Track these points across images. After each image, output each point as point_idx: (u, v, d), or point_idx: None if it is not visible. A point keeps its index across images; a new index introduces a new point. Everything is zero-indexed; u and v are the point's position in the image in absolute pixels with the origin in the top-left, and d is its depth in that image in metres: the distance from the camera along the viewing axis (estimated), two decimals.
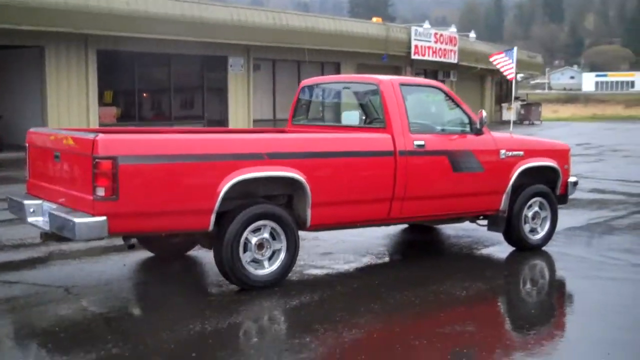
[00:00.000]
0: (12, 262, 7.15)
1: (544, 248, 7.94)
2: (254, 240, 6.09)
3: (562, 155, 8.23)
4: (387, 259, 7.73)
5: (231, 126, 23.42)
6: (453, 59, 31.66)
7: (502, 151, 7.59)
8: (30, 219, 6.23)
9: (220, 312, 5.56)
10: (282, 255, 6.24)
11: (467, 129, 7.42)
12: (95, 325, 5.28)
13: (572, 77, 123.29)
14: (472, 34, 37.77)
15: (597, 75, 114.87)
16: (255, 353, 4.80)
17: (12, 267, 6.95)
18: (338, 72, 27.78)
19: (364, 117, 7.52)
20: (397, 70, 31.03)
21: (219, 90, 24.17)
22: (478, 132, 7.43)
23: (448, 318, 5.58)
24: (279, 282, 6.19)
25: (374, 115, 7.31)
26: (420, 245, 8.43)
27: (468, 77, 37.55)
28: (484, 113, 7.44)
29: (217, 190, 5.83)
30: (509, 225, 7.71)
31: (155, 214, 5.68)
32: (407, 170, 6.85)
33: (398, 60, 29.91)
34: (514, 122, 39.17)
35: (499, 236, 8.03)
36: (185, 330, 5.10)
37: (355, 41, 26.47)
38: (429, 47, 29.63)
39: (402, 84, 7.11)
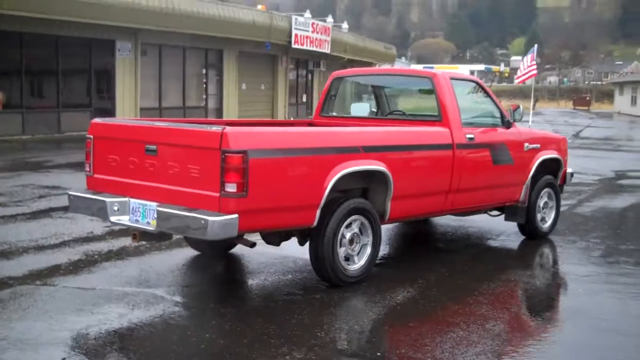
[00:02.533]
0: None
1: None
2: (347, 235, 6.08)
3: (563, 146, 8.77)
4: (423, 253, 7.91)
5: (118, 115, 22.47)
6: (326, 49, 32.16)
7: (526, 144, 7.99)
8: (113, 218, 5.83)
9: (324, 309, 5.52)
10: (369, 250, 6.25)
11: (499, 121, 7.74)
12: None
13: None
14: (345, 25, 38.48)
15: (424, 68, 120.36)
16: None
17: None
18: (221, 59, 27.44)
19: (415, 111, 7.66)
20: (274, 59, 31.10)
21: (106, 76, 23.12)
22: (508, 126, 7.78)
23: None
24: (365, 277, 6.21)
25: (427, 109, 7.46)
26: (428, 238, 8.66)
27: (335, 68, 38.26)
28: (520, 107, 7.80)
29: (324, 185, 5.76)
30: (528, 216, 8.14)
31: (275, 210, 5.52)
32: (461, 163, 7.06)
33: (276, 49, 29.97)
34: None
35: (501, 226, 8.45)
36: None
37: (240, 28, 26.22)
38: (307, 37, 29.94)
39: (452, 78, 7.31)
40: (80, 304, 5.41)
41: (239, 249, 7.10)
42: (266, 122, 7.38)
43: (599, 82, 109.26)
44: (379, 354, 4.65)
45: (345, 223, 6.03)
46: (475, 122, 7.43)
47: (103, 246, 7.33)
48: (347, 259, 6.10)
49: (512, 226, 8.56)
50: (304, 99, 35.31)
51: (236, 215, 5.19)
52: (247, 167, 5.21)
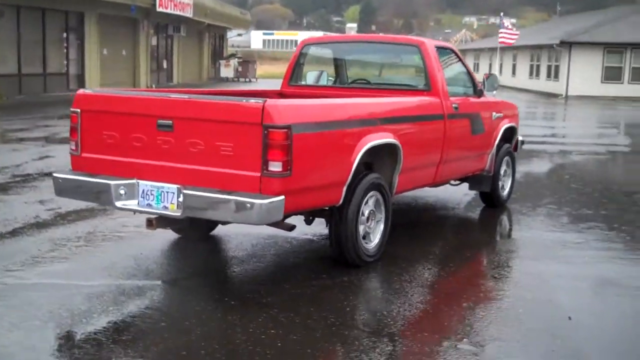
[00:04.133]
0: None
1: None
2: (366, 212, 5.75)
3: (516, 115, 8.83)
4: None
5: None
6: (189, 13, 31.03)
7: (494, 113, 7.96)
8: (119, 203, 5.15)
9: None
10: (381, 227, 5.96)
11: (472, 90, 7.62)
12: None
13: (239, 35, 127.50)
14: None
15: (264, 34, 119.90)
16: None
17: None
18: (82, 22, 25.75)
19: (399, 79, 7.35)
20: (135, 24, 29.62)
21: None
22: (480, 94, 7.69)
23: None
24: (379, 256, 5.92)
25: (414, 77, 7.19)
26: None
27: (194, 33, 37.14)
28: (495, 75, 7.72)
29: (352, 160, 5.40)
30: (493, 184, 8.13)
31: (311, 189, 5.09)
32: (450, 134, 6.90)
33: (138, 13, 28.53)
34: (232, 79, 39.92)
35: (458, 195, 8.43)
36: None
37: None
38: (170, 0, 28.68)
39: (436, 46, 7.09)
40: (61, 302, 4.74)
41: (220, 230, 6.58)
42: (244, 93, 6.84)
43: None
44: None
45: (365, 200, 5.69)
46: (455, 92, 7.26)
47: (67, 232, 6.54)
48: (364, 237, 5.77)
49: (463, 195, 8.61)
50: (165, 66, 33.98)
51: (283, 197, 4.73)
52: (292, 144, 4.74)
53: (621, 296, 5.29)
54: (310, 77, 7.65)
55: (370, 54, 7.78)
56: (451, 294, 5.21)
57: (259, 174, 4.73)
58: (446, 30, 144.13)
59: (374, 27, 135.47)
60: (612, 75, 35.16)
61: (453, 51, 7.55)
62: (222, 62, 41.17)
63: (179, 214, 4.94)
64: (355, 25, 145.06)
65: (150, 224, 5.22)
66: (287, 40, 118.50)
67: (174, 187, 4.99)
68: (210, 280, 5.40)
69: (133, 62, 29.93)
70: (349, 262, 5.64)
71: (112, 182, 5.13)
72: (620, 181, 10.78)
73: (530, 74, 41.27)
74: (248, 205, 4.63)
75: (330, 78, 7.80)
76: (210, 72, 41.54)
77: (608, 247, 6.69)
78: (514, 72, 45.58)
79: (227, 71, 40.28)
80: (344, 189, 5.42)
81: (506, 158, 8.35)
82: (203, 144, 4.92)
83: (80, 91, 5.49)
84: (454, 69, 7.44)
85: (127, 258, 5.79)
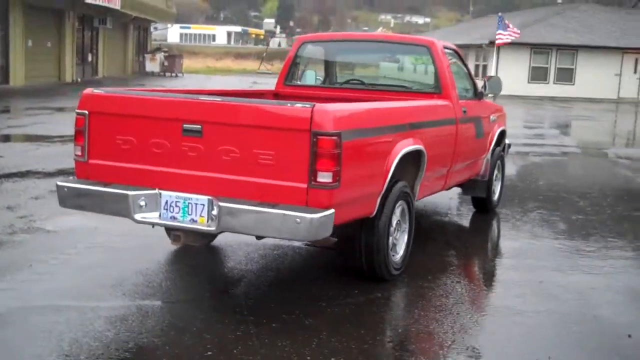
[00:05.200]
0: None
1: None
2: (394, 223, 5.39)
3: (504, 117, 8.65)
4: None
5: None
6: (117, 4, 29.89)
7: (492, 116, 7.74)
8: (139, 216, 4.63)
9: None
10: (405, 238, 5.63)
11: (472, 93, 7.37)
12: None
13: (155, 29, 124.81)
14: None
15: (181, 28, 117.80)
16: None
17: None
18: (6, 11, 24.40)
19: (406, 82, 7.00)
20: (60, 15, 28.36)
21: None
22: (480, 97, 7.45)
23: None
24: (404, 268, 5.57)
25: (423, 79, 6.87)
26: None
27: (120, 25, 35.92)
28: (497, 77, 7.48)
29: (387, 168, 5.04)
30: (488, 189, 7.91)
31: (353, 201, 4.70)
32: (460, 138, 6.63)
33: (63, 3, 27.29)
34: (158, 74, 38.84)
35: (444, 200, 8.21)
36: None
37: None
38: None
39: (444, 46, 6.79)
40: (83, 328, 4.21)
41: (219, 239, 6.11)
42: (227, 92, 6.36)
43: None
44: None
45: (394, 210, 5.33)
46: (461, 95, 6.99)
47: (54, 243, 5.96)
48: (391, 249, 5.41)
49: (449, 199, 8.43)
50: (90, 59, 32.69)
51: (333, 211, 4.31)
52: (341, 152, 4.34)
53: None
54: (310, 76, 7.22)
55: (375, 53, 7.41)
56: (493, 312, 4.89)
57: (305, 185, 4.32)
58: (364, 28, 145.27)
59: (292, 23, 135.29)
60: (538, 75, 35.90)
61: (456, 52, 7.26)
62: (148, 56, 39.95)
63: (213, 228, 4.46)
64: (272, 20, 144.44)
65: (176, 239, 4.73)
66: (204, 35, 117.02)
67: (204, 198, 4.51)
68: (235, 299, 4.93)
69: (58, 54, 28.61)
70: (378, 275, 5.28)
71: (130, 193, 4.60)
72: (590, 183, 10.77)
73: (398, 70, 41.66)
74: (297, 220, 4.20)
75: (318, 78, 7.40)
76: (135, 66, 40.27)
77: (622, 255, 6.53)
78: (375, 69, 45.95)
79: (152, 65, 39.10)
80: (379, 199, 5.05)
81: (498, 162, 8.14)
82: (238, 151, 4.46)
83: (88, 91, 4.92)
84: (458, 70, 7.15)
85: (135, 274, 5.25)
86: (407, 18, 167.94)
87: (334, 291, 5.10)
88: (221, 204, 4.37)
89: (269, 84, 34.46)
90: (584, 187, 10.30)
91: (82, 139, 4.88)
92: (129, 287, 4.96)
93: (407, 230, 5.61)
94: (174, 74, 39.23)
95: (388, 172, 5.01)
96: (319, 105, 4.31)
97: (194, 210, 4.54)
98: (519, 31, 24.28)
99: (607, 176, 11.87)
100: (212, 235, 4.99)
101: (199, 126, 4.53)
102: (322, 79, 7.23)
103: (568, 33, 36.14)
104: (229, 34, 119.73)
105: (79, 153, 4.91)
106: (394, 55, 7.28)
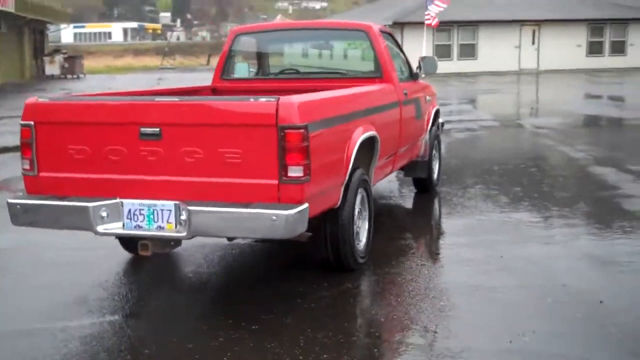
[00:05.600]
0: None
1: None
2: (356, 211, 5.35)
3: (435, 96, 8.71)
4: None
5: None
6: (11, 7, 28.69)
7: (427, 97, 7.79)
8: (101, 228, 4.42)
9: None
10: (366, 225, 5.59)
11: (408, 74, 7.38)
12: None
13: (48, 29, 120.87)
14: None
15: (75, 27, 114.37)
16: None
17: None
18: None
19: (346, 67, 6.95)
20: None
21: None
22: (416, 78, 7.47)
23: None
24: (367, 256, 5.54)
25: (362, 64, 6.83)
26: None
27: (14, 29, 34.49)
28: (432, 57, 7.51)
29: (349, 157, 4.99)
30: (429, 169, 7.96)
31: (321, 193, 4.62)
32: (403, 121, 6.65)
33: None
34: (59, 76, 37.58)
35: (382, 183, 8.25)
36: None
37: None
38: None
39: (380, 30, 6.77)
40: (62, 351, 3.99)
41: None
42: (161, 92, 6.20)
43: None
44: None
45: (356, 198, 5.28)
46: (399, 77, 6.99)
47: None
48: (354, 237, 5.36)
49: (388, 182, 8.47)
50: None
51: (307, 205, 4.23)
52: (309, 144, 4.25)
53: (625, 273, 5.26)
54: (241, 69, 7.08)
55: (311, 41, 7.32)
56: (466, 292, 4.91)
57: (276, 182, 4.22)
58: (262, 16, 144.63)
59: (189, 16, 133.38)
60: (442, 52, 36.55)
61: (390, 34, 7.26)
62: (47, 58, 38.52)
63: (183, 233, 4.31)
64: (168, 14, 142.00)
65: (144, 248, 4.52)
66: (100, 33, 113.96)
67: (170, 203, 4.35)
68: (207, 304, 4.79)
69: None
70: (345, 266, 5.23)
71: (91, 204, 4.39)
72: (517, 154, 11.04)
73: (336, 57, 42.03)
74: (274, 218, 4.10)
75: (251, 70, 7.28)
76: (33, 70, 38.81)
77: (568, 223, 6.70)
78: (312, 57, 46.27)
79: (52, 68, 37.76)
80: (342, 189, 4.99)
81: (435, 142, 8.20)
82: (202, 151, 4.32)
83: (32, 100, 4.65)
84: (393, 52, 7.15)
85: (96, 288, 5.04)
86: (304, 4, 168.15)
87: (304, 286, 5.01)
88: (190, 207, 4.22)
89: (175, 79, 33.94)
90: (513, 159, 10.53)
91: (30, 152, 4.62)
92: (93, 303, 4.74)
93: (367, 217, 5.57)
94: (75, 76, 38.08)
95: (349, 160, 4.97)
96: (284, 98, 4.21)
97: (160, 217, 4.38)
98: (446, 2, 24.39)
99: (530, 146, 12.20)
100: (180, 241, 4.82)
101: (157, 129, 4.35)
102: (258, 70, 7.10)
103: (468, 8, 36.88)
104: (125, 30, 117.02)
105: (27, 167, 4.66)
106: (330, 42, 7.21)
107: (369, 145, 5.53)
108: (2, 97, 25.22)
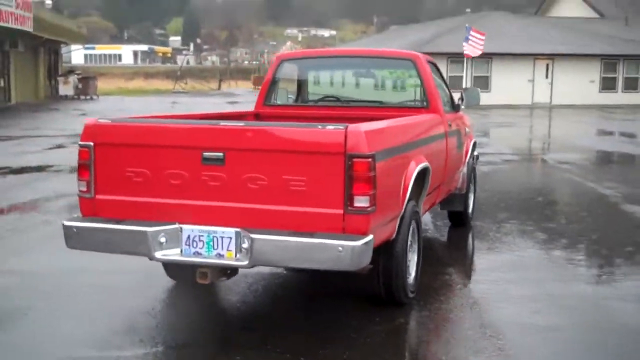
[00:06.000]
0: None
1: None
2: (408, 244, 5.26)
3: (472, 128, 8.66)
4: None
5: None
6: (29, 26, 28.84)
7: (467, 128, 7.74)
8: (159, 254, 4.35)
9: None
10: (416, 258, 5.51)
11: (450, 105, 7.32)
12: None
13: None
14: (48, 0, 34.81)
15: (86, 48, 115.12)
16: None
17: None
18: None
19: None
20: None
21: None
22: (458, 109, 7.41)
23: None
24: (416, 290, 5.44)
25: (409, 94, 6.79)
26: None
27: (32, 47, 34.66)
28: (475, 89, 7.47)
29: (406, 188, 4.92)
30: (465, 202, 7.88)
31: (383, 225, 4.54)
32: (449, 152, 6.59)
33: None
34: (72, 97, 37.70)
35: None
36: None
37: None
38: (11, 13, 26.49)
39: (427, 60, 6.74)
40: None
41: None
42: (204, 116, 6.17)
43: (258, 62, 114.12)
44: None
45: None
46: (444, 108, 6.93)
47: (34, 284, 5.54)
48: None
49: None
50: (2, 84, 31.38)
51: (372, 237, 4.15)
52: (376, 175, 4.19)
53: None
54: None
55: (356, 68, 7.27)
56: (521, 331, 4.80)
57: (341, 211, 4.15)
58: (271, 43, 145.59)
59: (199, 40, 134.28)
60: (455, 83, 36.57)
61: (434, 64, 7.22)
62: (61, 79, 38.67)
63: (245, 262, 4.22)
64: (179, 38, 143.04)
65: (203, 276, 4.43)
66: (110, 55, 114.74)
67: (231, 230, 4.27)
68: (258, 334, 4.66)
69: None
70: (396, 300, 5.14)
71: (150, 229, 4.31)
72: (546, 190, 10.95)
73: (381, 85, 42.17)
74: (340, 249, 4.03)
75: (290, 97, 7.23)
76: (47, 90, 38.92)
77: (612, 262, 6.61)
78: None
79: (66, 89, 37.90)
80: (398, 220, 4.91)
81: (472, 174, 8.13)
82: (266, 178, 4.25)
83: (92, 121, 4.60)
84: (438, 83, 7.10)
85: (143, 316, 4.95)
86: (313, 32, 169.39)
87: (355, 319, 4.92)
88: (254, 236, 4.15)
89: (189, 103, 34.00)
90: (542, 194, 10.46)
91: (87, 174, 4.56)
92: (143, 331, 4.65)
93: (416, 250, 5.49)
94: (89, 97, 38.21)
95: (407, 191, 4.90)
96: (352, 126, 4.15)
97: (220, 244, 4.30)
98: (483, 39, 24.41)
99: (557, 182, 12.12)
100: (237, 270, 4.73)
101: (220, 154, 4.29)
102: (302, 97, 7.06)
103: None
104: (135, 53, 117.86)
105: (84, 189, 4.59)
106: (376, 70, 7.17)
107: (421, 176, 5.46)
108: (17, 117, 25.26)
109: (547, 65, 37.64)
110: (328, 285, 5.74)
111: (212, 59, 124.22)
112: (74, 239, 4.49)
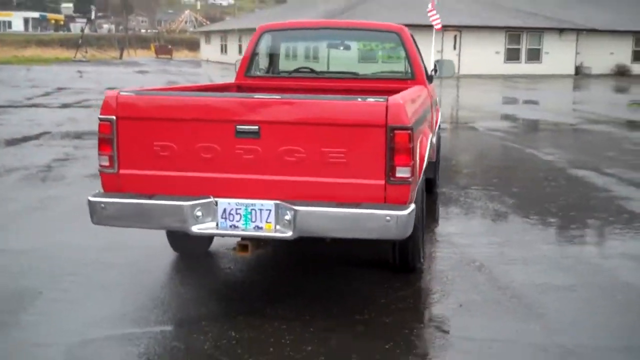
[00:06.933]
0: None
1: None
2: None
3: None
4: None
5: None
6: None
7: (436, 98, 7.90)
8: (196, 228, 4.28)
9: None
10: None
11: (425, 76, 7.42)
12: None
13: None
14: None
15: None
16: None
17: None
18: None
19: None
20: None
21: None
22: (431, 80, 7.54)
23: None
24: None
25: (395, 65, 6.84)
26: None
27: None
28: (450, 61, 7.61)
29: (422, 157, 5.00)
30: (435, 170, 8.07)
31: (414, 194, 4.61)
32: (433, 121, 6.73)
33: None
34: None
35: None
36: None
37: None
38: None
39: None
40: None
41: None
42: (208, 87, 6.06)
43: (155, 30, 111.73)
44: None
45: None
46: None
47: (47, 266, 5.36)
48: None
49: None
50: None
51: (414, 206, 4.22)
52: (414, 146, 4.26)
53: None
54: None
55: (340, 40, 7.25)
56: (542, 291, 5.01)
57: (383, 182, 4.18)
58: (169, 11, 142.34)
59: (93, 8, 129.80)
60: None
61: (412, 37, 7.30)
62: None
63: (288, 234, 4.20)
64: (71, 5, 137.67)
65: (243, 248, 4.40)
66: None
67: (269, 203, 4.24)
68: (292, 308, 4.67)
69: None
70: (409, 266, 5.26)
71: (186, 203, 4.23)
72: (491, 157, 11.30)
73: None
74: (388, 218, 4.07)
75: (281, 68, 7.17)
76: None
77: (586, 224, 6.93)
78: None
79: None
80: (417, 188, 5.00)
81: (439, 143, 8.33)
82: (304, 150, 4.23)
83: (113, 93, 4.43)
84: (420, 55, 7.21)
85: (165, 290, 4.86)
86: (211, 0, 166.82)
87: (378, 286, 5.01)
88: (298, 208, 4.13)
89: (95, 72, 32.92)
90: (490, 160, 10.81)
91: (109, 148, 4.41)
92: (180, 305, 4.58)
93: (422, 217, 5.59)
94: None
95: (423, 161, 4.98)
96: (392, 99, 4.18)
97: (259, 216, 4.27)
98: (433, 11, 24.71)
99: (499, 149, 12.52)
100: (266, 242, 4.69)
101: (255, 127, 4.24)
102: (286, 69, 7.02)
103: (396, 11, 37.42)
104: (26, 20, 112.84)
105: (106, 163, 4.43)
106: (361, 42, 7.20)
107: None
108: None
109: (455, 36, 38.49)
110: (330, 253, 5.78)
111: (108, 27, 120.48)
112: (100, 214, 4.35)
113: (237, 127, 4.25)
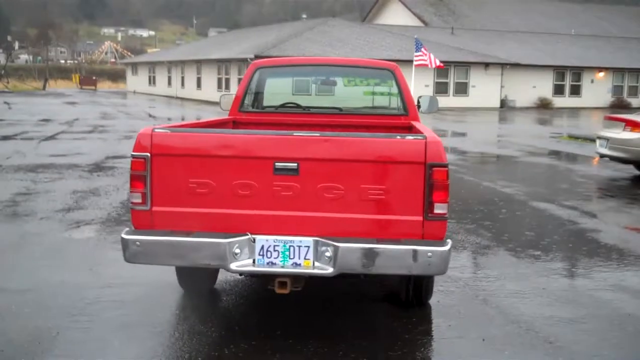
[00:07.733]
0: None
1: None
2: None
3: None
4: None
5: None
6: None
7: None
8: (235, 265, 4.27)
9: None
10: None
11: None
12: None
13: None
14: None
15: None
16: None
17: None
18: None
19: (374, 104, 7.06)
20: None
21: None
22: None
23: None
24: None
25: (389, 102, 6.98)
26: None
27: None
28: (433, 97, 7.80)
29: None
30: None
31: None
32: None
33: None
34: None
35: None
36: None
37: None
38: None
39: None
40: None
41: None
42: (207, 124, 6.06)
43: (76, 61, 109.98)
44: None
45: None
46: None
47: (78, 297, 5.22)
48: None
49: None
50: None
51: (450, 242, 4.33)
52: (448, 183, 4.38)
53: None
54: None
55: (335, 77, 7.36)
56: (552, 323, 5.17)
57: (421, 218, 4.28)
58: (88, 42, 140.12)
59: (9, 38, 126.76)
60: (301, 88, 37.19)
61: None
62: None
63: (329, 270, 4.24)
64: None
65: (282, 286, 4.39)
66: None
67: (308, 239, 4.28)
68: (317, 349, 4.69)
69: None
70: (422, 301, 5.37)
71: (224, 240, 4.22)
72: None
73: (219, 86, 41.94)
74: (429, 254, 4.16)
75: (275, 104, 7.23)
76: None
77: (567, 257, 7.17)
78: (199, 85, 45.97)
79: None
80: None
81: None
82: (342, 187, 4.29)
83: (147, 130, 4.41)
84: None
85: (190, 331, 4.80)
86: (132, 31, 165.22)
87: (397, 321, 5.07)
88: (340, 244, 4.17)
89: (24, 103, 32.12)
90: (451, 193, 11.00)
91: (142, 185, 4.37)
92: (204, 343, 4.52)
93: None
94: None
95: None
96: (430, 137, 4.29)
97: (297, 253, 4.30)
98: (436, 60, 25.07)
99: (456, 182, 12.76)
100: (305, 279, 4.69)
101: (294, 164, 4.28)
102: (280, 104, 7.07)
103: (325, 47, 37.96)
104: None
105: (139, 200, 4.39)
106: (356, 79, 7.32)
107: None
108: None
109: None
110: (339, 289, 5.82)
111: (26, 58, 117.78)
112: (134, 252, 4.29)
113: (276, 163, 4.29)
